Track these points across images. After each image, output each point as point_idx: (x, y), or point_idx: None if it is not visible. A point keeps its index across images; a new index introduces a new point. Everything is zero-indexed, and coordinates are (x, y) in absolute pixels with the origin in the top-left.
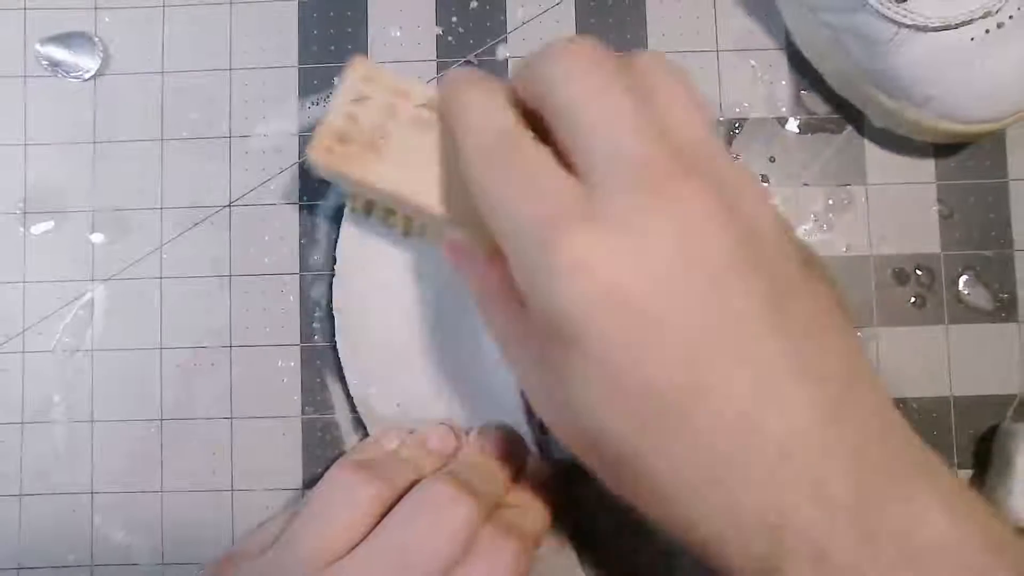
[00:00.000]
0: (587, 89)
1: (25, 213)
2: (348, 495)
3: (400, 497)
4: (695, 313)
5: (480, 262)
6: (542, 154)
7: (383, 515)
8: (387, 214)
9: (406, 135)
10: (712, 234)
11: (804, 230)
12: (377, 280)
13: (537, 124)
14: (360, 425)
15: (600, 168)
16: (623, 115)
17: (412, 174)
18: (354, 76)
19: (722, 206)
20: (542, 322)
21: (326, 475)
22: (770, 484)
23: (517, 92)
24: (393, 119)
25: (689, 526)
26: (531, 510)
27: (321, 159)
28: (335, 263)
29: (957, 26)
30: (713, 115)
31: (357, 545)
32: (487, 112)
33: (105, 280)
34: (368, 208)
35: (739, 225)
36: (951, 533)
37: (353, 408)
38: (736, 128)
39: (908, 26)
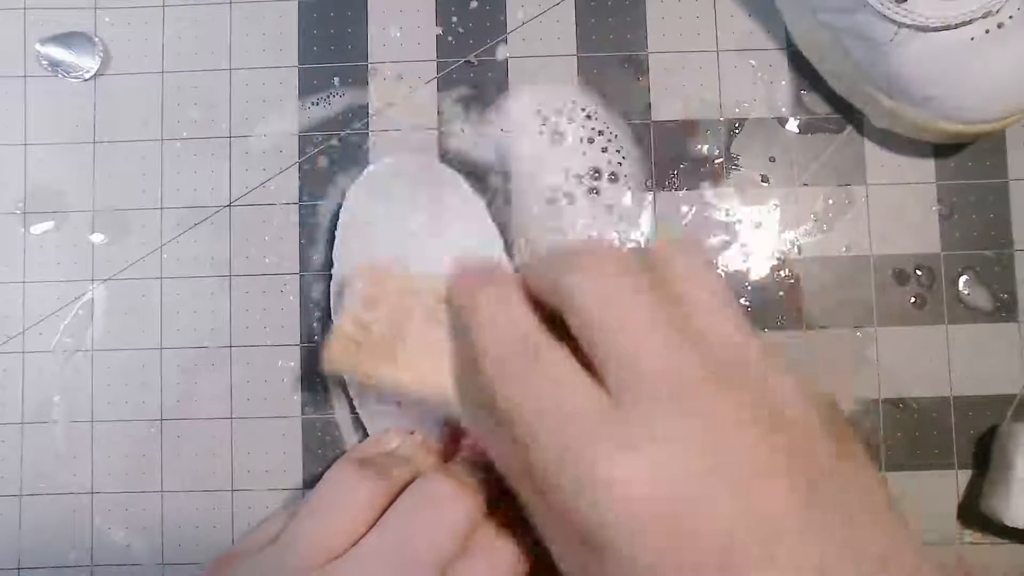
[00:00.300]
0: (610, 296)
1: (25, 213)
2: (348, 493)
3: (399, 495)
4: (727, 520)
5: (503, 450)
6: (563, 360)
7: (383, 513)
8: None
9: (421, 334)
10: (742, 442)
11: (804, 230)
12: None
13: (551, 314)
14: (360, 425)
15: (627, 377)
16: (649, 323)
17: (428, 372)
18: (362, 282)
19: (751, 411)
20: (573, 522)
21: (326, 474)
22: None
23: (529, 286)
24: (408, 320)
25: None
26: None
27: (336, 363)
28: (334, 264)
29: (957, 26)
30: (740, 310)
31: (357, 542)
32: (503, 317)
33: (105, 280)
34: None
35: (769, 427)
36: None
37: (353, 408)
38: (736, 128)
39: (908, 26)
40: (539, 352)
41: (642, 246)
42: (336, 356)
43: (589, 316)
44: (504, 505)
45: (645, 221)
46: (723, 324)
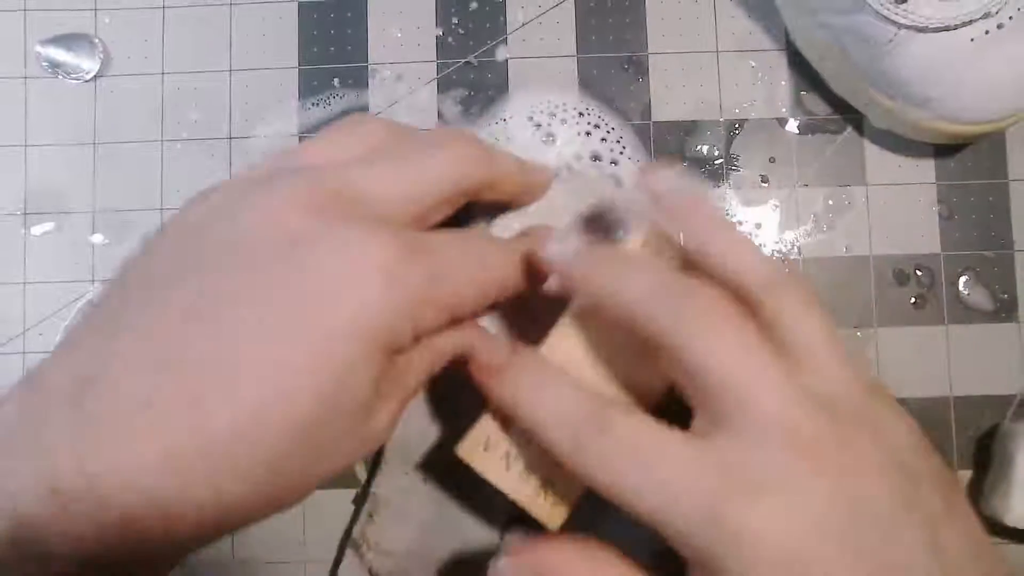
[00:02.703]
0: (724, 346)
1: (25, 214)
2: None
3: None
4: (858, 570)
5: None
6: (648, 425)
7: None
8: None
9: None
10: (867, 492)
11: (804, 231)
12: None
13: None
14: None
15: (743, 429)
16: (764, 375)
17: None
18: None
19: (872, 460)
20: (690, 550)
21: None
22: None
23: (590, 295)
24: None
25: None
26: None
27: (468, 456)
28: None
29: (957, 27)
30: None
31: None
32: (565, 406)
33: (105, 281)
34: None
35: (892, 475)
36: None
37: None
38: (736, 129)
39: (908, 27)
40: (618, 422)
41: (750, 272)
42: (472, 451)
43: (701, 364)
44: None
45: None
46: (833, 368)
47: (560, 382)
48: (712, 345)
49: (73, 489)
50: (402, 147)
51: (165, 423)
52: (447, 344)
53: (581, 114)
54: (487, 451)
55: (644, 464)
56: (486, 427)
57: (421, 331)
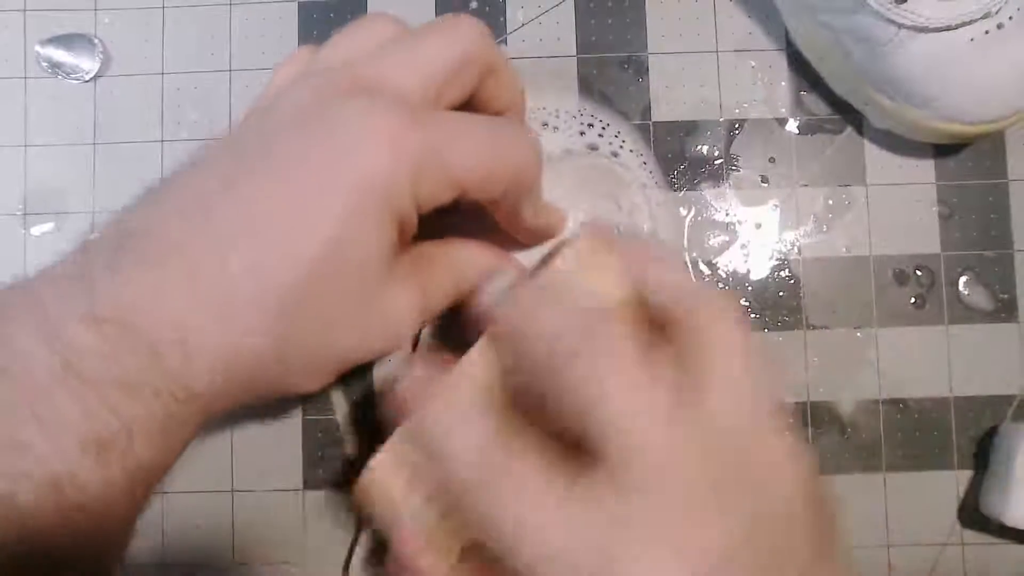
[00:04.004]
0: (613, 388)
1: (25, 214)
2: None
3: None
4: None
5: None
6: (537, 468)
7: None
8: None
9: None
10: (742, 548)
11: (804, 231)
12: None
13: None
14: (360, 426)
15: (626, 477)
16: (651, 419)
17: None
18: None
19: (749, 512)
20: None
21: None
22: None
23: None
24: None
25: None
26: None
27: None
28: None
29: (957, 27)
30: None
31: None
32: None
33: None
34: None
35: (768, 528)
36: None
37: (353, 409)
38: (736, 129)
39: (908, 27)
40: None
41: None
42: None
43: (585, 401)
44: None
45: (649, 218)
46: (732, 397)
47: (468, 416)
48: (601, 389)
49: (110, 319)
50: (410, 36)
51: (193, 265)
52: (468, 256)
53: (575, 117)
54: (392, 477)
55: (526, 513)
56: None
57: (423, 201)
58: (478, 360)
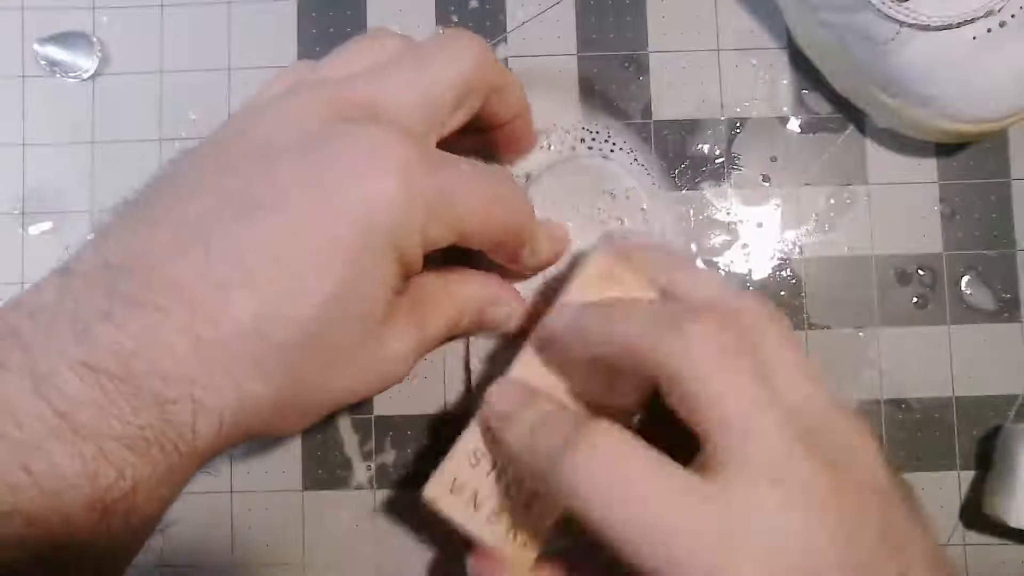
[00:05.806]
0: (726, 380)
1: (23, 213)
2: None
3: None
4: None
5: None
6: (635, 447)
7: None
8: None
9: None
10: (855, 530)
11: (805, 230)
12: None
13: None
14: (360, 425)
15: (746, 473)
16: (764, 412)
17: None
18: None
19: (856, 494)
20: None
21: None
22: None
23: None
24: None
25: None
26: None
27: (434, 499)
28: None
29: (959, 25)
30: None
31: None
32: (545, 422)
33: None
34: None
35: (873, 506)
36: None
37: (354, 409)
38: (737, 128)
39: (910, 25)
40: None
41: (726, 302)
42: (438, 493)
43: (696, 387)
44: None
45: (649, 219)
46: (808, 391)
47: (538, 400)
48: (715, 379)
49: (109, 369)
50: (413, 55)
51: (194, 310)
52: (468, 292)
53: (575, 117)
54: (454, 493)
55: (632, 497)
56: (452, 468)
57: (428, 244)
58: (533, 359)
